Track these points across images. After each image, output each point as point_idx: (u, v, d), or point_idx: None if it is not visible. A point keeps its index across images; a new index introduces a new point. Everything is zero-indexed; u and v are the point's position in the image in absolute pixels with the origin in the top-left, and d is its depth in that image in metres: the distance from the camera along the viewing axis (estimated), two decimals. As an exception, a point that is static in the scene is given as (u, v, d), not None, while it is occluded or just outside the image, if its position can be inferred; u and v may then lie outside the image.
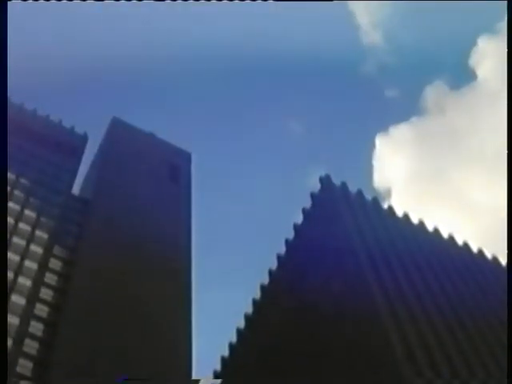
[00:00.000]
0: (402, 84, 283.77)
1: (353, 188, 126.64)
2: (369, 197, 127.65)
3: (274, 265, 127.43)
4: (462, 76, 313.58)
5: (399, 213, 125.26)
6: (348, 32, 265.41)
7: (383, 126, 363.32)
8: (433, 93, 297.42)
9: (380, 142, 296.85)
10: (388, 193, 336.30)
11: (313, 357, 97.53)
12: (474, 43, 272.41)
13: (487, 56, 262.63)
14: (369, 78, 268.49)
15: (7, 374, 52.05)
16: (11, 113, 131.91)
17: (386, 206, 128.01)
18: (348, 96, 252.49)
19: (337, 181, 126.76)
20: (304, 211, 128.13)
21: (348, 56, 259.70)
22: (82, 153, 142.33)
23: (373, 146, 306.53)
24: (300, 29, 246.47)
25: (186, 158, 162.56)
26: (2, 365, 50.67)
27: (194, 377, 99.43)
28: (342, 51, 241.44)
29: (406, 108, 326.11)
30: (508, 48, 60.65)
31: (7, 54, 66.62)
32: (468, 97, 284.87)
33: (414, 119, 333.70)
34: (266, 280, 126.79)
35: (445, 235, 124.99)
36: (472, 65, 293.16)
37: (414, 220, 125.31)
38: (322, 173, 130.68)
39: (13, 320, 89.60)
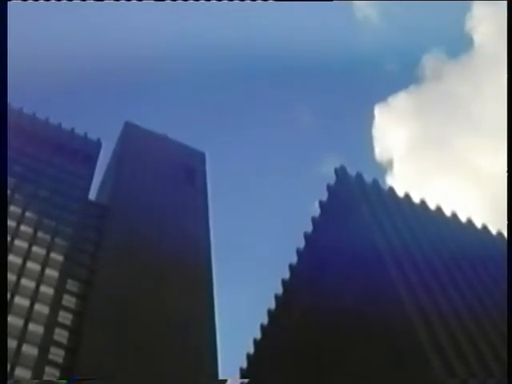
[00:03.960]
0: (398, 55, 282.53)
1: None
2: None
3: (294, 259, 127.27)
4: (458, 43, 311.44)
5: (416, 199, 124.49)
6: (342, 7, 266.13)
7: (382, 96, 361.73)
8: (430, 61, 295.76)
9: (379, 112, 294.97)
10: (390, 163, 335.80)
11: (337, 352, 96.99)
12: (468, 9, 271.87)
13: (482, 21, 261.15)
14: (365, 51, 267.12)
15: (7, 374, 52.12)
16: (24, 124, 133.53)
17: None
18: (346, 72, 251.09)
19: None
20: (321, 204, 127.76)
21: (343, 32, 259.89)
22: (97, 159, 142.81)
23: (372, 117, 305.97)
24: (294, 10, 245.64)
25: (201, 158, 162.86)
26: (1, 365, 50.86)
27: (220, 377, 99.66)
28: (336, 28, 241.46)
29: (404, 77, 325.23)
30: (508, 48, 60.31)
31: (7, 54, 66.82)
32: (466, 63, 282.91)
33: (412, 88, 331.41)
34: (287, 275, 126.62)
35: (463, 219, 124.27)
36: (468, 31, 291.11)
37: (432, 206, 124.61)
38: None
39: (38, 328, 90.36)
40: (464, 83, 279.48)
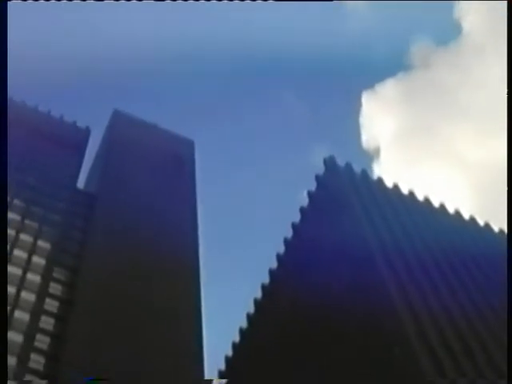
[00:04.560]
0: (387, 42, 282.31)
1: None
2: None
3: (281, 249, 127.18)
4: (446, 31, 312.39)
5: (404, 189, 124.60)
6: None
7: (369, 83, 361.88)
8: (418, 49, 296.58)
9: (367, 99, 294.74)
10: (377, 151, 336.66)
11: (324, 348, 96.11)
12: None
13: (471, 9, 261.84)
14: (353, 38, 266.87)
15: (7, 374, 52.19)
16: (13, 111, 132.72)
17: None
18: (334, 59, 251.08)
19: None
20: (309, 194, 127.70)
21: (331, 20, 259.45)
22: (86, 147, 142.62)
23: (359, 104, 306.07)
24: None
25: (190, 146, 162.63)
26: (1, 364, 50.81)
27: (205, 377, 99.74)
28: (324, 16, 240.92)
29: (392, 65, 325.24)
30: (508, 48, 60.39)
31: (7, 54, 66.60)
32: (454, 51, 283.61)
33: (400, 75, 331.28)
34: (274, 265, 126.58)
35: (451, 210, 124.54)
36: (457, 19, 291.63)
37: (420, 196, 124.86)
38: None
39: (23, 316, 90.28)
40: (452, 71, 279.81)
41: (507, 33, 63.03)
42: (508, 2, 64.97)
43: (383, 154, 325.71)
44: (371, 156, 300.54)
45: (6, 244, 79.97)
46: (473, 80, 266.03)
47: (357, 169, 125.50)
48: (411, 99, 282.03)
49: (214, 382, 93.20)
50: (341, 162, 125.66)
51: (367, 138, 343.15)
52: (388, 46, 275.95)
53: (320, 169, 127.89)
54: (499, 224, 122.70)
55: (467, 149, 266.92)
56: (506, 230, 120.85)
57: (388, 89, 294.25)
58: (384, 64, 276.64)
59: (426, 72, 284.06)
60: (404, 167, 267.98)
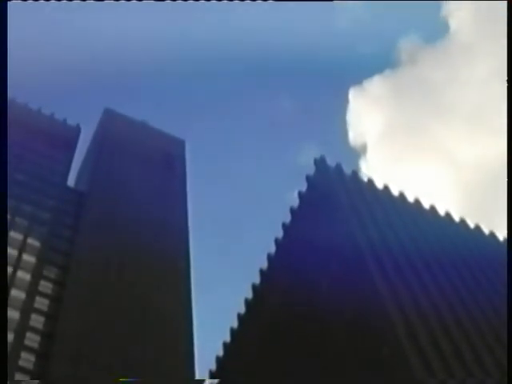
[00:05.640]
0: (374, 39, 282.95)
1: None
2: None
3: (272, 249, 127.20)
4: (434, 28, 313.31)
5: (394, 191, 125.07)
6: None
7: (357, 79, 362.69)
8: (406, 46, 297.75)
9: (354, 96, 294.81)
10: (364, 148, 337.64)
11: (313, 347, 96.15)
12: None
13: (459, 7, 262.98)
14: (341, 35, 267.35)
15: (7, 374, 51.96)
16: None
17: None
18: (321, 55, 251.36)
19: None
20: (300, 195, 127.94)
21: (319, 16, 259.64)
22: (76, 145, 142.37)
23: (346, 100, 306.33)
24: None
25: (180, 145, 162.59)
26: (1, 364, 50.54)
27: (196, 377, 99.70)
28: (312, 12, 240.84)
29: (380, 61, 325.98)
30: (508, 48, 60.46)
31: (7, 54, 66.25)
32: (441, 48, 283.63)
33: (387, 72, 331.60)
34: (264, 265, 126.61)
35: (441, 212, 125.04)
36: (444, 16, 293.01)
37: (410, 198, 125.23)
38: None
39: (13, 314, 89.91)
40: (439, 68, 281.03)
41: (507, 33, 63.22)
42: (508, 2, 65.15)
43: (370, 151, 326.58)
44: (358, 153, 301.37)
45: (6, 245, 79.28)
46: (460, 78, 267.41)
47: (346, 168, 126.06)
48: (398, 96, 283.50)
49: (206, 382, 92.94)
50: (328, 159, 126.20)
51: (354, 135, 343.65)
52: (376, 43, 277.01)
53: (308, 167, 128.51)
54: (489, 224, 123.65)
55: (454, 146, 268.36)
56: (495, 232, 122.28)
57: (375, 85, 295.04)
58: (372, 61, 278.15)
59: (414, 69, 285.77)
60: (391, 164, 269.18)
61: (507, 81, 57.05)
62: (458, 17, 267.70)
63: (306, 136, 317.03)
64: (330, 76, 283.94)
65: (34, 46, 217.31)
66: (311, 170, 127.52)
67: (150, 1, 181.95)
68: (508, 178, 55.32)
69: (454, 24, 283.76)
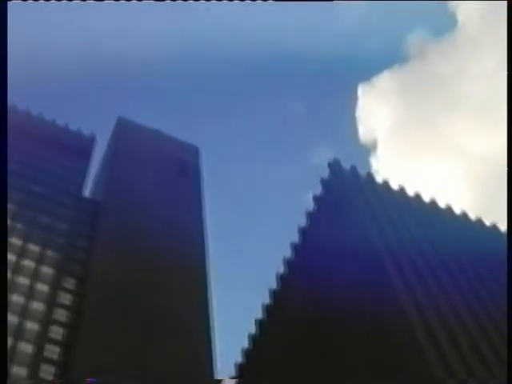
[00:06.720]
0: (382, 34, 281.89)
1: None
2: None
3: (288, 253, 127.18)
4: (442, 22, 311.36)
5: (410, 192, 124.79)
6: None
7: (365, 76, 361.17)
8: (414, 40, 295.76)
9: (363, 92, 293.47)
10: (374, 144, 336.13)
11: (334, 349, 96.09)
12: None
13: (466, 0, 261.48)
14: (346, 32, 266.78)
15: (7, 374, 52.25)
16: (18, 119, 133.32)
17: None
18: (330, 52, 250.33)
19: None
20: (315, 198, 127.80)
21: (327, 13, 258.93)
22: (91, 154, 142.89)
23: (355, 98, 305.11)
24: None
25: (194, 152, 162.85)
26: (2, 364, 50.89)
27: (217, 374, 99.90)
28: (320, 9, 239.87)
29: (388, 57, 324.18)
30: (508, 48, 60.43)
31: (7, 54, 66.68)
32: (450, 42, 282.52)
33: (396, 67, 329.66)
34: (280, 269, 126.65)
35: (457, 211, 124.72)
36: (452, 10, 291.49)
37: (426, 198, 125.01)
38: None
39: (33, 326, 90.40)
40: (448, 62, 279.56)
41: (507, 32, 63.12)
42: (508, 2, 65.08)
43: (380, 147, 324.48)
44: (369, 149, 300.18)
45: (6, 246, 79.76)
46: (468, 71, 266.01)
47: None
48: (407, 91, 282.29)
49: (226, 381, 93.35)
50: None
51: (364, 131, 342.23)
52: (383, 39, 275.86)
53: (321, 168, 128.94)
54: (498, 217, 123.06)
55: (464, 139, 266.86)
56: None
57: (384, 81, 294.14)
58: (380, 56, 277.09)
59: (422, 63, 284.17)
60: (401, 159, 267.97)
61: (507, 80, 56.95)
62: (466, 10, 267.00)
63: (317, 135, 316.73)
64: (337, 74, 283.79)
65: (34, 46, 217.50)
66: (324, 170, 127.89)
67: (150, 1, 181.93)
68: (508, 177, 55.18)
69: (461, 17, 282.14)
